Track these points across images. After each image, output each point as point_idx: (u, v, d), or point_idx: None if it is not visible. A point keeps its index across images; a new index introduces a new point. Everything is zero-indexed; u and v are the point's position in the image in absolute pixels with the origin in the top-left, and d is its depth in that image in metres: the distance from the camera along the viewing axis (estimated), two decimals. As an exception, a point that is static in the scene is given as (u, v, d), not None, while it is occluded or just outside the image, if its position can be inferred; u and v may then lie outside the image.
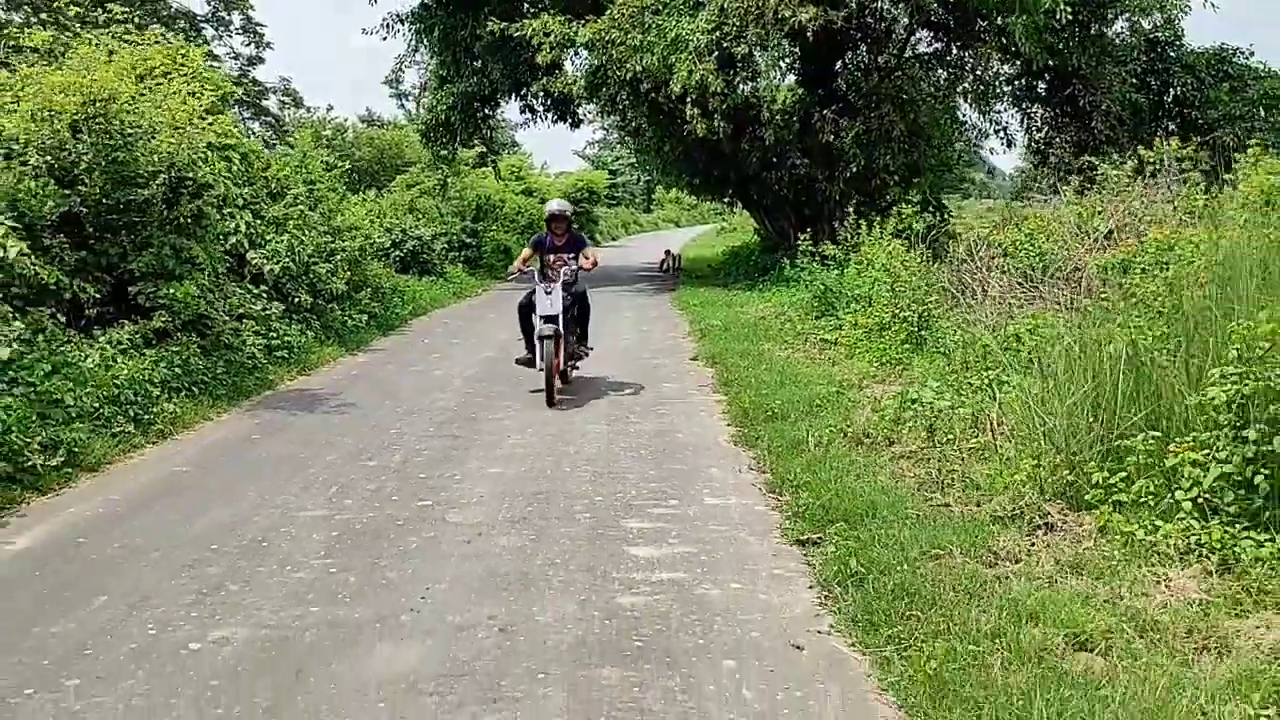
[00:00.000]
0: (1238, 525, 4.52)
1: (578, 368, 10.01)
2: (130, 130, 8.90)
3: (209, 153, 9.74)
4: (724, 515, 5.80)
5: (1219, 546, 4.43)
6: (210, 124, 9.98)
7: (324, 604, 4.52)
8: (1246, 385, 4.60)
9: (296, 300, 12.01)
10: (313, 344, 11.80)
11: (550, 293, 9.03)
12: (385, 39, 33.66)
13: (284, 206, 12.87)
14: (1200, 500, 4.67)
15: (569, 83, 22.00)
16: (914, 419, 7.13)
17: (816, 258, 14.59)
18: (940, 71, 21.62)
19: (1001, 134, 23.22)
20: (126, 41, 10.44)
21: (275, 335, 10.88)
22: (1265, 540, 4.39)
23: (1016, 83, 22.80)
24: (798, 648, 4.02)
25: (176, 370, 8.60)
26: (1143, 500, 4.89)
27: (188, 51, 10.69)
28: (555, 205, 10.15)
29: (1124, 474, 5.06)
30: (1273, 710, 3.14)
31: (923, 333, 10.35)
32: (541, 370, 8.93)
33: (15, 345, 6.83)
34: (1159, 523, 4.70)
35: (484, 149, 30.90)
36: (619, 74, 18.99)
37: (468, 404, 9.23)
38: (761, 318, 14.55)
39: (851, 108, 19.88)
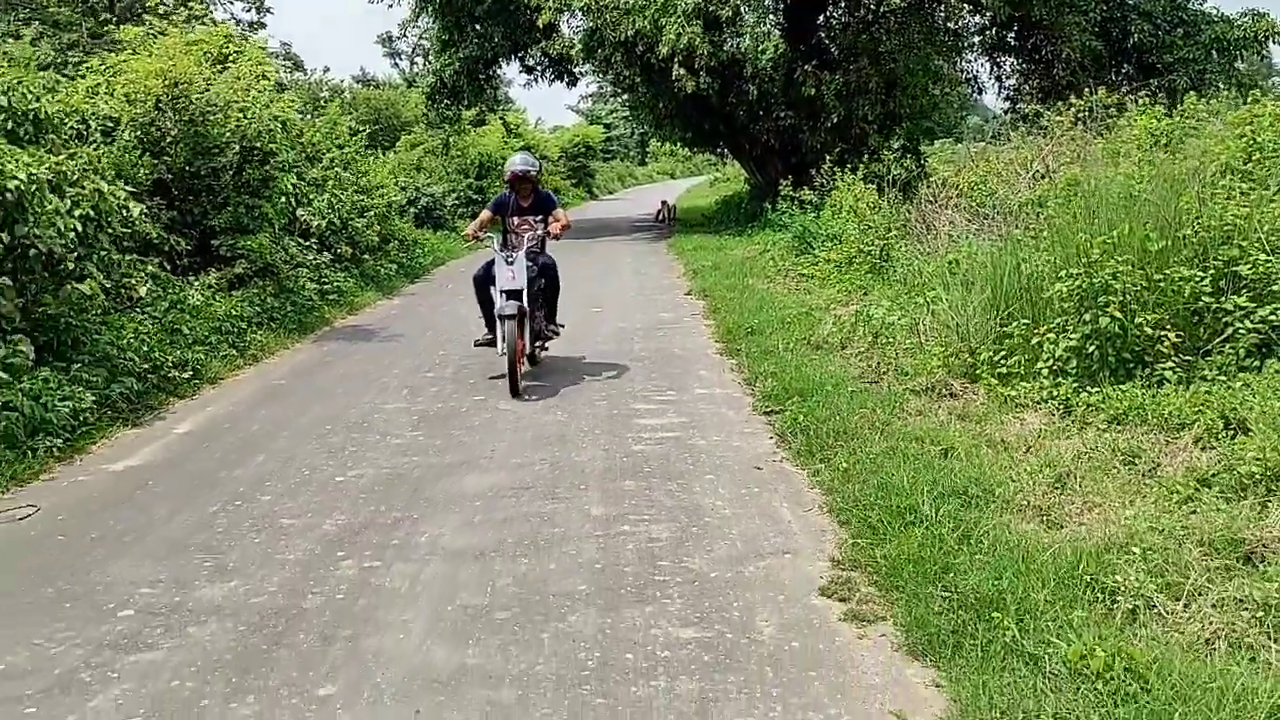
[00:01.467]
0: (1077, 383, 6.28)
1: (546, 349, 8.94)
2: (207, 108, 10.56)
3: (273, 124, 11.39)
4: (709, 399, 7.58)
5: (1063, 397, 6.18)
6: (273, 101, 11.63)
7: (422, 456, 6.30)
8: (1082, 283, 6.35)
9: (338, 251, 13.73)
10: (355, 289, 13.53)
11: (512, 262, 7.88)
12: (390, 5, 35.00)
13: (321, 169, 14.53)
14: (1054, 367, 6.43)
15: (566, 45, 23.57)
16: (864, 329, 8.88)
17: (796, 202, 16.29)
18: (914, 25, 23.09)
19: (972, 83, 24.72)
20: (201, 24, 12.08)
21: (326, 281, 12.61)
22: (1095, 391, 6.14)
23: (986, 33, 24.27)
24: (758, 468, 5.81)
25: (257, 308, 10.36)
26: (1015, 371, 6.66)
27: (250, 41, 12.32)
28: (519, 161, 8.61)
29: (1005, 353, 6.83)
30: (1050, 475, 4.91)
31: (883, 264, 12.06)
32: (504, 355, 7.76)
33: (148, 285, 8.57)
34: (1025, 385, 6.47)
35: (484, 108, 32.31)
36: (613, 35, 20.52)
37: (498, 332, 11.00)
38: (748, 258, 16.24)
39: (831, 61, 21.46)
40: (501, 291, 7.89)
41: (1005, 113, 25.45)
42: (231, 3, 42.51)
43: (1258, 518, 4.13)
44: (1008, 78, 24.86)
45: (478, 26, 26.10)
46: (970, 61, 24.64)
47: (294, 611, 4.07)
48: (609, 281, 15.29)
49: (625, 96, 29.46)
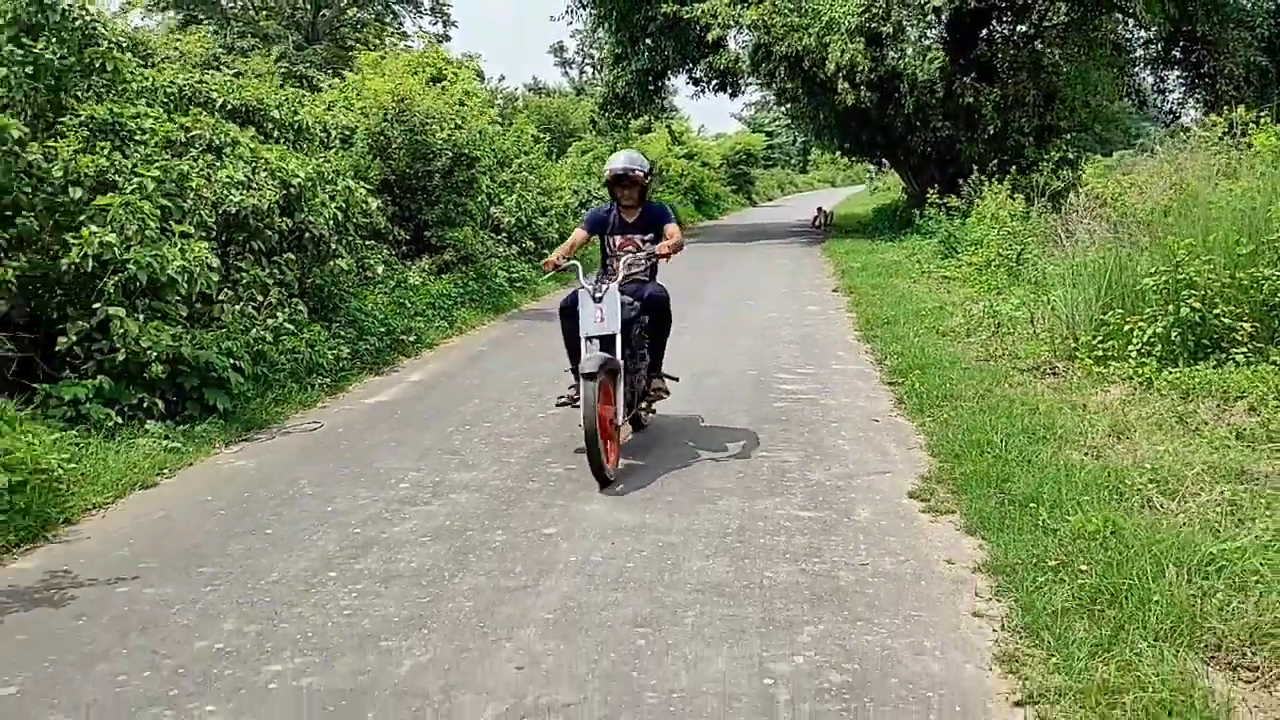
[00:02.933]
0: (1160, 364, 7.31)
1: (654, 411, 6.99)
2: (426, 120, 12.51)
3: (478, 135, 13.29)
4: (843, 373, 8.89)
5: (1146, 376, 7.23)
6: (480, 114, 13.56)
7: (604, 403, 7.85)
8: (1168, 279, 7.39)
9: (523, 245, 15.59)
10: (537, 278, 15.35)
11: (600, 298, 5.87)
12: (569, 23, 37.24)
13: (511, 173, 16.45)
14: (1141, 350, 7.47)
15: (732, 59, 25.09)
16: (988, 321, 9.99)
17: (944, 210, 17.28)
18: (1075, 38, 23.52)
19: (1133, 96, 24.90)
20: (406, 49, 14.12)
21: (514, 270, 14.44)
22: (1174, 370, 7.17)
23: (1149, 47, 24.45)
24: (875, 420, 7.11)
25: (460, 290, 12.22)
26: (1109, 353, 7.73)
27: (463, 65, 14.34)
28: (621, 160, 6.59)
29: (1101, 338, 7.89)
30: (1110, 426, 6.04)
31: (1018, 267, 13.03)
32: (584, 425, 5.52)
33: (383, 265, 10.49)
34: (1115, 364, 7.53)
35: (651, 117, 34.10)
36: (778, 51, 21.90)
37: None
38: (895, 261, 17.32)
39: (990, 74, 22.20)
40: (586, 338, 5.87)
41: (1167, 127, 25.49)
42: (420, 16, 45.49)
43: (1269, 457, 5.22)
44: (1170, 92, 24.94)
45: (649, 41, 27.88)
46: (1132, 76, 24.79)
47: (521, 490, 5.66)
48: (763, 279, 16.67)
49: (787, 106, 30.74)
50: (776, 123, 66.70)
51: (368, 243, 11.00)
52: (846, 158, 41.69)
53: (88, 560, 4.64)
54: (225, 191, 7.86)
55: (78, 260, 6.52)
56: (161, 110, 8.27)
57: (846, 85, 20.81)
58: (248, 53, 23.79)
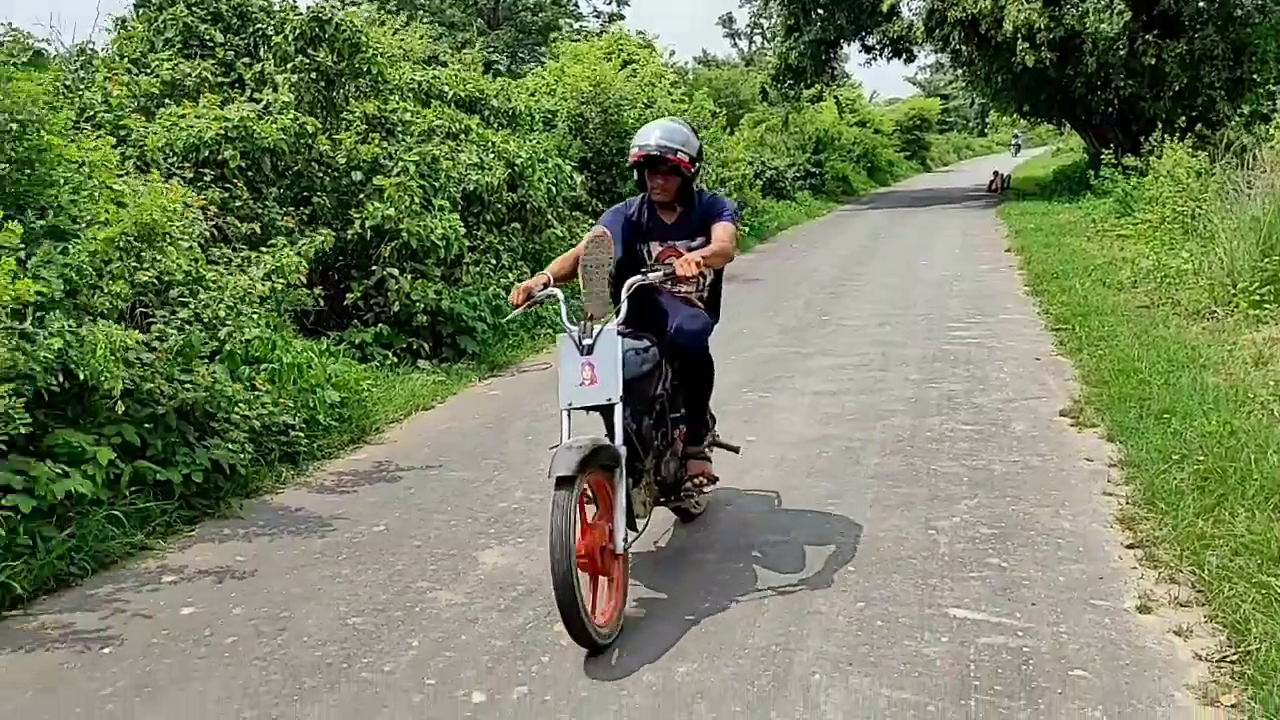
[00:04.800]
0: (1317, 308, 7.82)
1: (704, 494, 4.77)
2: (620, 101, 13.79)
3: (665, 113, 14.49)
4: (1010, 321, 9.65)
5: (1301, 318, 7.77)
6: (667, 94, 14.76)
7: (814, 314, 8.92)
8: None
9: (706, 214, 16.74)
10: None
11: (592, 345, 3.72)
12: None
13: (693, 146, 17.60)
14: (1298, 295, 7.99)
15: (905, 27, 25.43)
16: (1155, 274, 10.49)
17: (1120, 169, 17.39)
18: (1269, -11, 22.74)
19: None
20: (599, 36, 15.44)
21: (698, 237, 15.60)
22: (1329, 313, 7.68)
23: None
24: (1037, 359, 7.92)
25: (653, 255, 13.49)
26: (1267, 298, 8.24)
27: (650, 48, 15.60)
28: (655, 134, 4.27)
29: (1259, 284, 8.40)
30: (1252, 357, 6.69)
31: (1193, 223, 13.26)
32: (556, 566, 3.37)
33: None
34: (1271, 307, 8.06)
35: (822, 86, 34.57)
36: (953, 14, 22.19)
37: (839, 274, 13.46)
38: (1070, 221, 17.58)
39: (1175, 29, 21.78)
40: (566, 410, 3.78)
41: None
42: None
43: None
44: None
45: (821, 11, 28.43)
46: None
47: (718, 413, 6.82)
48: (936, 240, 17.30)
49: (962, 70, 30.72)
50: (952, 86, 65.32)
51: (573, 213, 12.37)
52: (1025, 120, 40.85)
53: (400, 456, 6.09)
54: (465, 172, 9.32)
55: (360, 231, 8.07)
56: (412, 104, 9.81)
57: (1026, 46, 20.94)
58: (461, 47, 25.86)
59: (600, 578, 3.63)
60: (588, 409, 3.80)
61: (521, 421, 6.76)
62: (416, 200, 8.20)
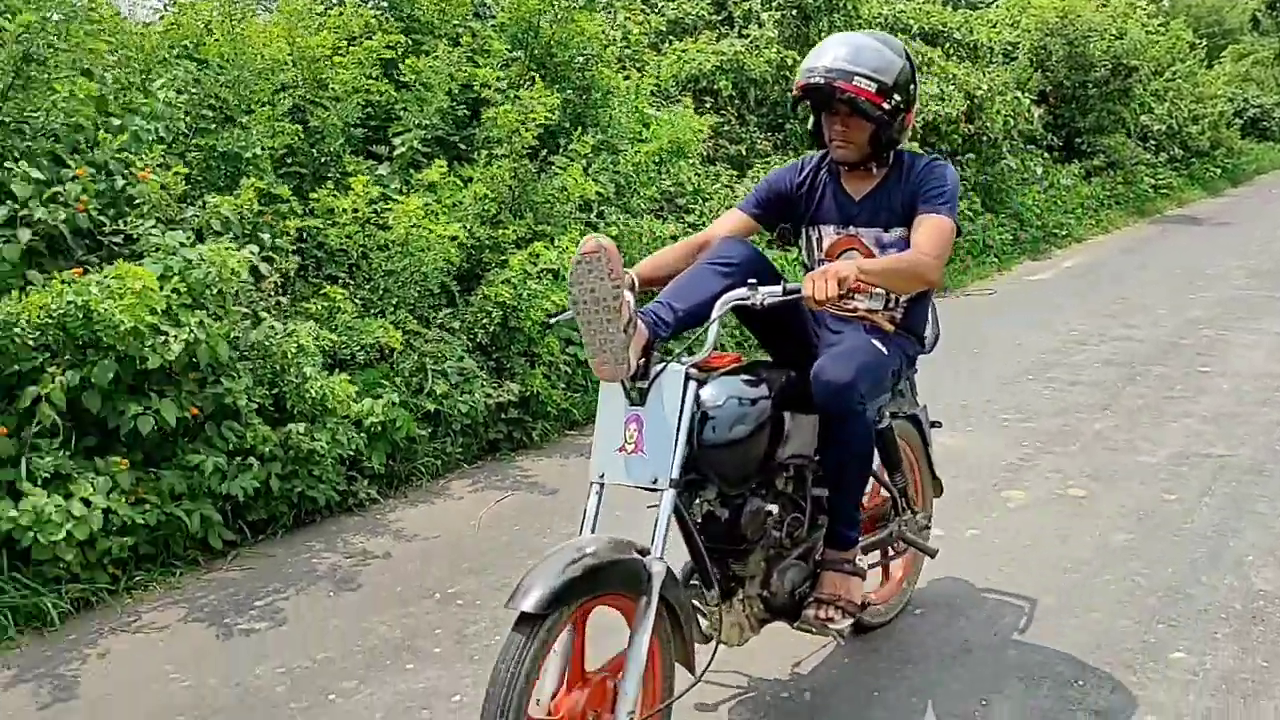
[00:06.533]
0: None
1: (840, 621, 2.67)
2: (1088, 33, 13.42)
3: (1137, 45, 13.89)
4: None
5: None
6: (1142, 25, 14.13)
7: (1251, 292, 8.58)
8: None
9: (1171, 154, 15.79)
10: (1183, 186, 15.53)
11: (645, 394, 2.29)
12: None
13: (1163, 81, 16.54)
14: None
15: None
16: None
17: None
18: None
19: None
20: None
21: (1160, 177, 14.85)
22: None
23: None
24: None
25: (1107, 193, 13.13)
26: None
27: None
28: (828, 53, 2.61)
29: None
30: None
31: None
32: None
33: (1040, 168, 11.86)
34: None
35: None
36: None
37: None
38: None
39: None
40: (596, 484, 2.33)
41: None
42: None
43: None
44: None
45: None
46: None
47: (1170, 345, 6.90)
48: None
49: None
50: None
51: (1026, 147, 12.38)
52: None
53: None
54: (926, 103, 9.80)
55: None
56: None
57: None
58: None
59: None
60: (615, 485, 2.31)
61: (974, 335, 7.27)
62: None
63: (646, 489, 2.27)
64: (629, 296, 2.20)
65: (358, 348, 4.47)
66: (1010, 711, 2.73)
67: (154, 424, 3.63)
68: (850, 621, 2.66)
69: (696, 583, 2.49)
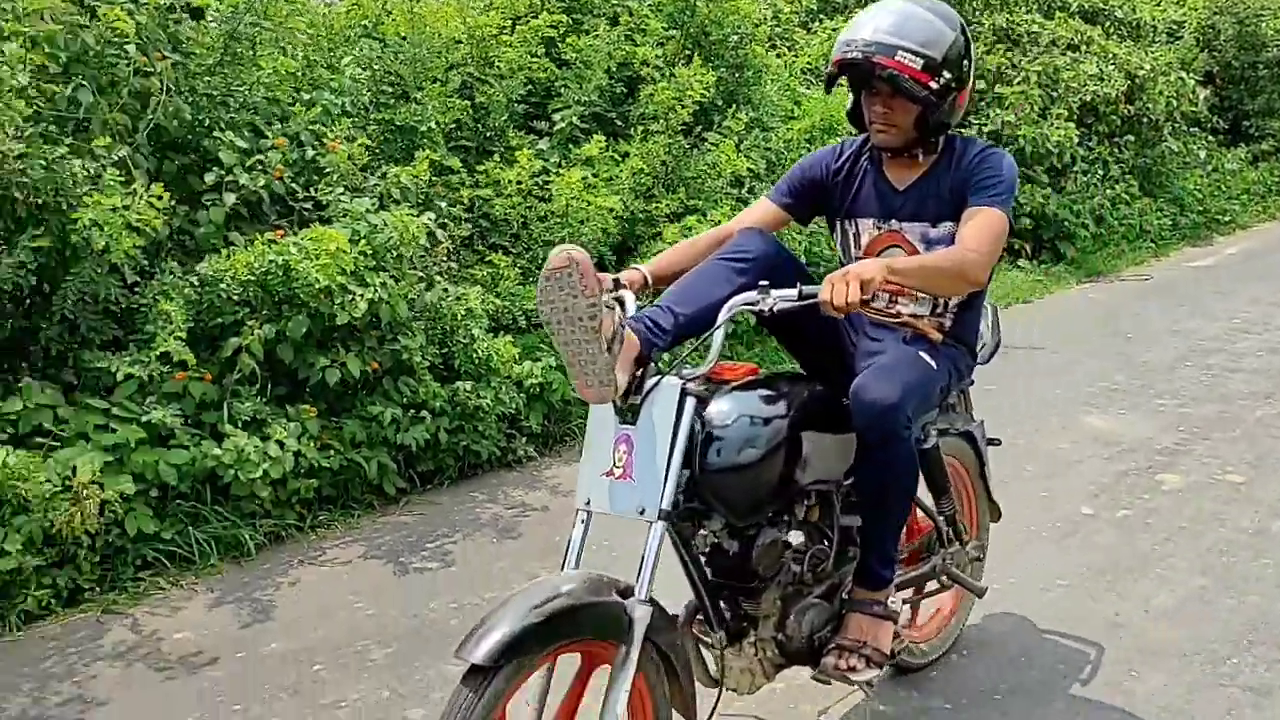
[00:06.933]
0: None
1: (868, 674, 2.31)
2: (1261, 11, 12.74)
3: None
4: None
5: None
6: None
7: None
8: None
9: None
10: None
11: (636, 411, 2.04)
12: None
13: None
14: None
15: None
16: None
17: None
18: None
19: None
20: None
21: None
22: None
23: None
24: None
25: (1275, 179, 12.49)
26: None
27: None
28: (872, 24, 2.27)
29: None
30: None
31: None
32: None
33: (1204, 151, 11.38)
34: None
35: None
36: None
37: None
38: None
39: None
40: (582, 512, 2.09)
41: None
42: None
43: None
44: None
45: None
46: None
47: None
48: None
49: None
50: None
51: (1189, 130, 11.87)
52: None
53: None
54: (1085, 83, 9.53)
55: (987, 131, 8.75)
56: (1037, 15, 10.17)
57: None
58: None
59: None
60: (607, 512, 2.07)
61: (1128, 323, 7.08)
62: (1035, 108, 8.67)
63: (635, 508, 1.99)
64: (611, 311, 1.92)
65: (519, 313, 4.71)
66: (1161, 683, 2.76)
67: (339, 376, 3.94)
68: (876, 672, 2.30)
69: (702, 620, 2.22)
